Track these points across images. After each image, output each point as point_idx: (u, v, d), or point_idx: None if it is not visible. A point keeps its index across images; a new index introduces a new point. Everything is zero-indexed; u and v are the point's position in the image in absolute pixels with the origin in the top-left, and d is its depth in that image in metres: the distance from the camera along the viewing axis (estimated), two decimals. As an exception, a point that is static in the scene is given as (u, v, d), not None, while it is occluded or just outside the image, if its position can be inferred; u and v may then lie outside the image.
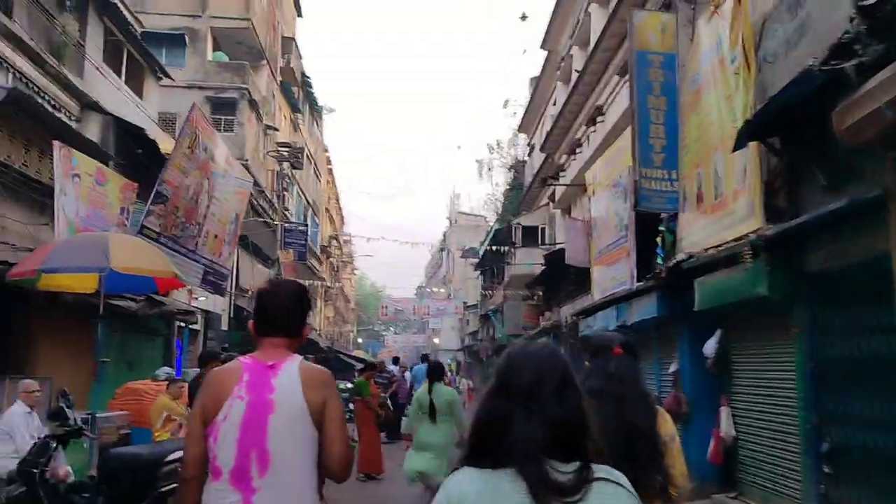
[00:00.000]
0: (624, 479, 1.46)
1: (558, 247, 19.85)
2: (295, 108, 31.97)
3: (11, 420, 5.85)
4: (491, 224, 37.12)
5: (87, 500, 5.51)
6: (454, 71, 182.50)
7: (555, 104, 23.80)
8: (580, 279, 16.31)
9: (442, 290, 60.06)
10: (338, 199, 52.12)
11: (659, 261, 9.15)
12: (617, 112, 14.47)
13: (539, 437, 1.40)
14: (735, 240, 6.45)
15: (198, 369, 7.67)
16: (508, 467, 1.40)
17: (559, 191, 21.42)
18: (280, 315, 2.45)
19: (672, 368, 8.52)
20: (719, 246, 6.79)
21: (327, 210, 44.91)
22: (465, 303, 48.74)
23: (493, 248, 25.94)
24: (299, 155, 25.06)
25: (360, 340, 64.08)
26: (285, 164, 25.05)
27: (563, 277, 18.21)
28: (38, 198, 10.86)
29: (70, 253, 8.07)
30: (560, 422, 1.43)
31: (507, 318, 28.00)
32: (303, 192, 33.87)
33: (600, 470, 1.43)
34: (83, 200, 10.69)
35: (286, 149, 23.12)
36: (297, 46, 31.27)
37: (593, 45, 16.50)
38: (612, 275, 10.81)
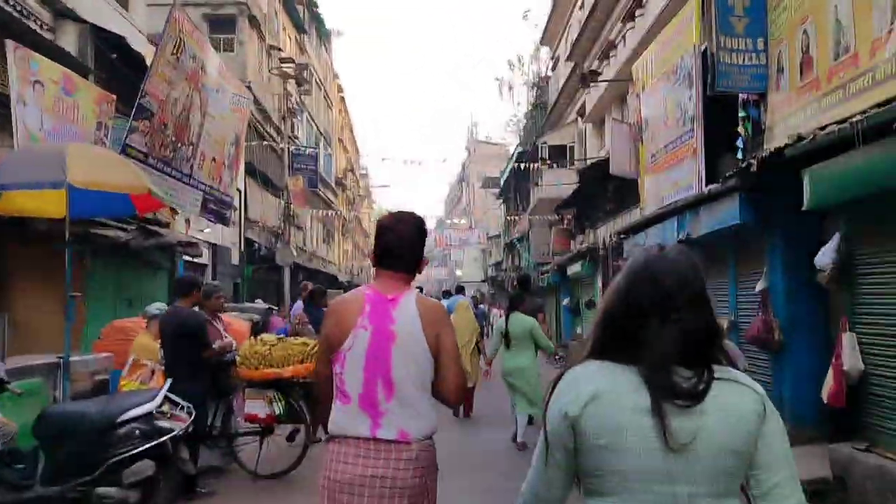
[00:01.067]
0: (748, 380, 1.43)
1: (590, 161, 18.18)
2: (300, 29, 29.91)
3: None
4: (512, 151, 35.24)
5: (20, 473, 4.14)
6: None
7: (582, 7, 21.74)
8: (622, 194, 14.69)
9: (463, 222, 58.60)
10: (352, 130, 50.08)
11: (739, 155, 7.44)
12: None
13: (672, 347, 1.37)
14: (878, 105, 4.74)
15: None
16: (633, 365, 1.39)
17: (590, 102, 19.56)
18: (400, 250, 2.51)
19: (759, 287, 6.92)
20: (844, 122, 5.09)
21: (341, 140, 43.07)
22: (487, 233, 47.27)
23: (519, 165, 24.14)
24: (305, 73, 23.11)
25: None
26: (292, 88, 23.27)
27: (600, 195, 16.54)
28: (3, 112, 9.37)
29: (23, 166, 6.88)
30: (694, 332, 1.39)
31: (534, 244, 26.71)
32: (313, 121, 32.10)
33: (723, 372, 1.40)
34: (48, 111, 9.17)
35: (290, 65, 21.20)
36: (298, -41, 28.99)
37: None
38: (673, 180, 9.11)
